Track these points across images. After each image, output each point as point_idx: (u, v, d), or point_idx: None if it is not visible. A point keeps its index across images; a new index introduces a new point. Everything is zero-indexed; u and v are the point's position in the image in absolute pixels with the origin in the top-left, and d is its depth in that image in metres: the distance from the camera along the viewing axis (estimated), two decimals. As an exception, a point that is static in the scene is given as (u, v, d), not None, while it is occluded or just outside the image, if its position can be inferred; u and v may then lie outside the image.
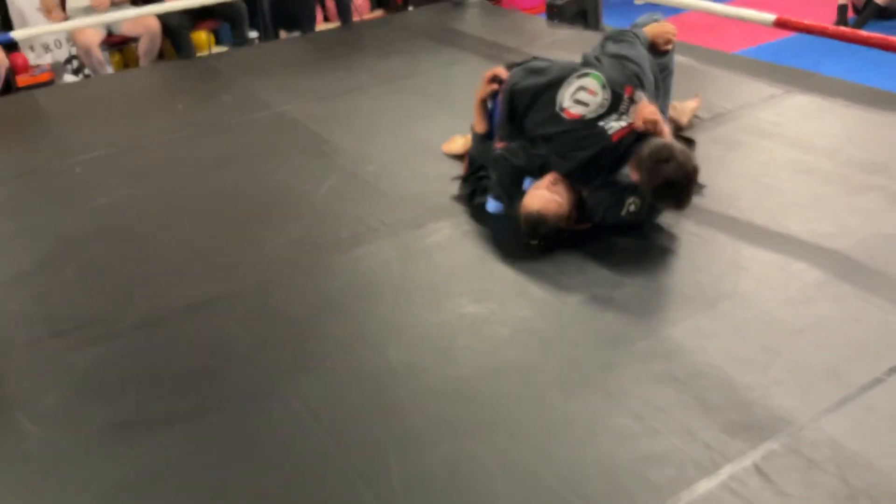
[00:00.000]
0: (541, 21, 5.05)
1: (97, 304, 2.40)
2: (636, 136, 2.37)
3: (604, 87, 2.43)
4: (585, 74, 2.48)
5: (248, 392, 1.98)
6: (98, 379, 2.09)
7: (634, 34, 2.71)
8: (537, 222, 2.39)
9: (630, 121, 2.40)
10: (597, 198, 2.46)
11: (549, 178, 2.45)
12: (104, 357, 2.16)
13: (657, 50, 2.76)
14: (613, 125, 2.39)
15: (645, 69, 2.55)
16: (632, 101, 2.43)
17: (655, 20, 2.85)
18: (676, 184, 2.25)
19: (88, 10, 4.99)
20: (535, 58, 2.78)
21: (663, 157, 2.24)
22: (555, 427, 1.78)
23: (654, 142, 2.31)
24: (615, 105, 2.42)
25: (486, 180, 2.70)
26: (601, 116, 2.41)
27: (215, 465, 1.78)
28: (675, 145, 2.30)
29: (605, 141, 2.39)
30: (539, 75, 2.59)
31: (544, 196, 2.40)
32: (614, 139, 2.39)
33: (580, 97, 2.45)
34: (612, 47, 2.65)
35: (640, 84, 2.50)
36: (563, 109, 2.46)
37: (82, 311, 2.37)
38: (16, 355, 2.21)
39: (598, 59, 2.58)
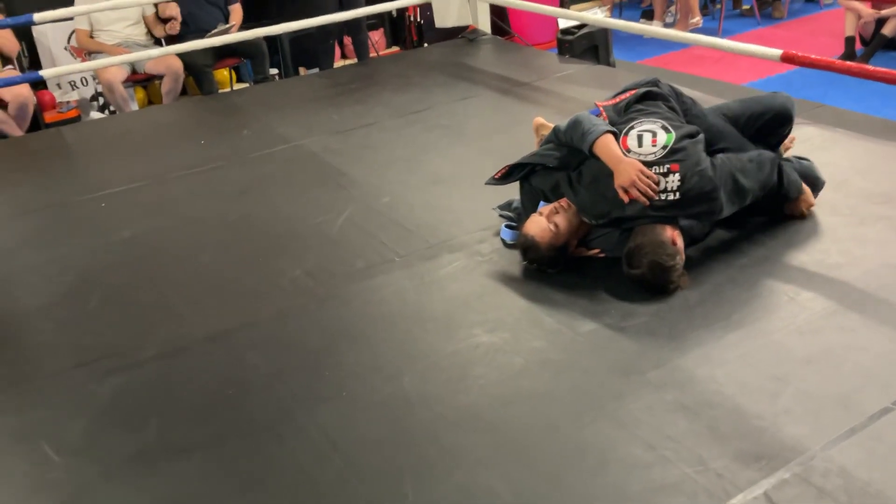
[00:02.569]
0: (552, 56, 5.13)
1: (120, 335, 2.47)
2: (644, 210, 2.33)
3: (665, 147, 2.36)
4: (669, 130, 2.40)
5: (266, 421, 2.02)
6: (121, 408, 2.14)
7: (776, 165, 2.49)
8: (529, 247, 2.47)
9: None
10: (600, 231, 2.50)
11: (552, 207, 2.49)
12: (127, 387, 2.22)
13: (783, 203, 2.60)
14: None
15: (720, 196, 2.35)
16: (668, 174, 2.33)
17: (817, 179, 2.69)
18: (647, 287, 2.33)
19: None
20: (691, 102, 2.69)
21: (634, 263, 2.31)
22: (567, 456, 1.81)
23: (637, 242, 2.31)
24: (651, 166, 2.34)
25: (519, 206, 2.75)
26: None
27: (235, 493, 1.81)
28: (650, 254, 2.27)
29: (615, 192, 2.37)
30: (665, 101, 2.58)
31: (541, 224, 2.45)
32: (621, 196, 2.35)
33: (644, 136, 2.40)
34: (741, 157, 2.46)
35: (701, 193, 2.33)
36: (625, 133, 2.44)
37: (105, 341, 2.44)
38: (41, 385, 2.27)
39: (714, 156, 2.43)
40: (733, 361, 2.04)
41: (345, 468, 1.84)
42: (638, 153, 2.37)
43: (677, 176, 2.32)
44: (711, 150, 2.49)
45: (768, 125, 2.68)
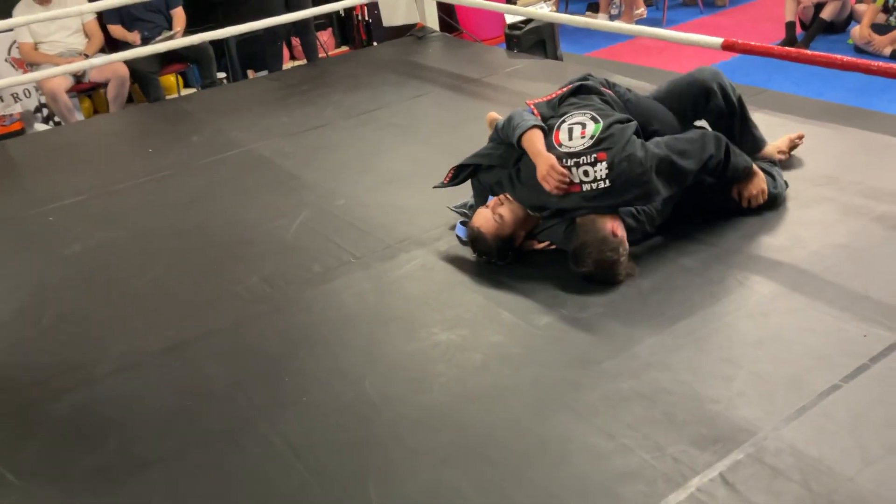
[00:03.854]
0: (500, 51, 5.16)
1: (74, 351, 2.43)
2: (582, 198, 2.37)
3: (592, 137, 2.38)
4: (597, 120, 2.41)
5: (227, 431, 2.01)
6: (78, 426, 2.11)
7: (724, 146, 2.48)
8: (476, 239, 2.52)
9: (580, 179, 2.35)
10: (547, 224, 2.54)
11: (496, 199, 2.54)
12: (83, 404, 2.18)
13: (731, 192, 2.59)
14: None
15: (652, 181, 2.34)
16: (595, 164, 2.34)
17: (774, 169, 2.69)
18: (596, 281, 2.37)
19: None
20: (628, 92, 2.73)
21: (580, 262, 2.36)
22: (529, 450, 1.83)
23: (580, 241, 2.35)
24: (580, 157, 2.36)
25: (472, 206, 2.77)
26: (562, 157, 2.37)
27: (198, 506, 1.81)
28: (594, 252, 2.32)
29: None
30: (594, 89, 2.61)
31: (486, 215, 2.50)
32: (553, 192, 2.39)
33: (574, 129, 2.42)
34: (682, 136, 2.48)
35: (628, 178, 2.33)
36: (558, 127, 2.46)
37: (60, 358, 2.40)
38: (-6, 407, 2.22)
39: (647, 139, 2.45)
40: (686, 347, 2.08)
41: (308, 474, 1.84)
42: (568, 146, 2.40)
43: (604, 164, 2.34)
44: (646, 133, 2.53)
45: (693, 100, 2.70)
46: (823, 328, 2.09)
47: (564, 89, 2.66)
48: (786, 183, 2.75)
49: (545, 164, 2.39)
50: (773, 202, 2.66)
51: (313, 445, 1.93)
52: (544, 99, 2.66)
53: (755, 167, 2.62)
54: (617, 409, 1.90)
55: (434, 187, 2.81)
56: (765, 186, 2.62)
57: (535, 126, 2.48)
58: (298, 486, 1.81)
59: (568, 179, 2.37)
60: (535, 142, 2.45)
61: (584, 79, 2.70)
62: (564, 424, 1.89)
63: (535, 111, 2.60)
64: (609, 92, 2.66)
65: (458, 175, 2.74)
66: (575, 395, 1.97)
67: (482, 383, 2.07)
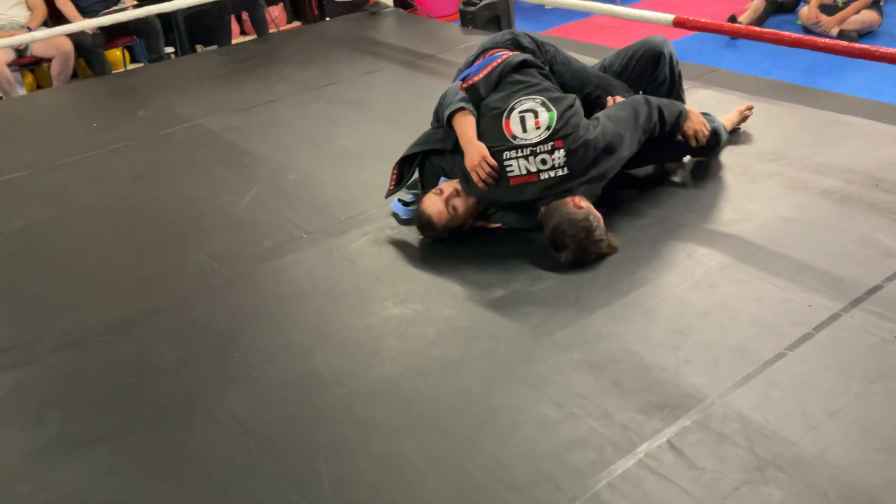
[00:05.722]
0: (455, 28, 5.13)
1: (15, 329, 2.36)
2: (543, 188, 2.35)
3: (548, 128, 2.34)
4: (549, 108, 2.38)
5: (173, 408, 1.98)
6: (19, 404, 2.05)
7: (655, 106, 2.53)
8: (425, 225, 2.49)
9: (538, 168, 2.34)
10: (502, 215, 2.54)
11: (452, 189, 2.48)
12: (24, 381, 2.13)
13: (677, 138, 2.62)
14: (514, 168, 2.36)
15: (603, 151, 2.38)
16: (552, 151, 2.34)
17: (706, 116, 2.71)
18: (584, 258, 2.32)
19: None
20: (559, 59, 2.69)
21: (560, 244, 2.30)
22: (480, 420, 1.83)
23: (551, 226, 2.30)
24: (536, 146, 2.34)
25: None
26: (517, 148, 2.35)
27: (142, 484, 1.77)
28: (567, 227, 2.27)
29: (503, 179, 2.39)
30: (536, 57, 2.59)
31: (438, 207, 2.45)
32: (511, 182, 2.38)
33: (526, 118, 2.37)
34: (616, 110, 2.49)
35: (584, 154, 2.35)
36: (507, 115, 2.40)
37: (0, 336, 2.32)
38: (-70, 387, 2.15)
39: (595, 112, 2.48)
40: (636, 318, 2.11)
41: (257, 450, 1.81)
42: (523, 139, 2.36)
43: (562, 152, 2.34)
44: (583, 97, 2.54)
45: (640, 66, 2.74)
46: (769, 298, 2.13)
47: (497, 62, 2.53)
48: (725, 128, 2.81)
49: (476, 155, 2.37)
50: (717, 137, 2.73)
51: (262, 421, 1.90)
52: (480, 76, 2.52)
53: (685, 107, 2.66)
54: (567, 378, 1.91)
55: (386, 197, 2.72)
56: (703, 119, 2.67)
57: (462, 108, 2.44)
58: (247, 461, 1.79)
59: (497, 174, 2.36)
60: (466, 129, 2.42)
61: (513, 42, 2.66)
62: (515, 395, 1.89)
63: (467, 94, 2.51)
64: (538, 62, 2.61)
65: (403, 174, 2.65)
66: (526, 366, 1.98)
67: (434, 356, 2.06)
